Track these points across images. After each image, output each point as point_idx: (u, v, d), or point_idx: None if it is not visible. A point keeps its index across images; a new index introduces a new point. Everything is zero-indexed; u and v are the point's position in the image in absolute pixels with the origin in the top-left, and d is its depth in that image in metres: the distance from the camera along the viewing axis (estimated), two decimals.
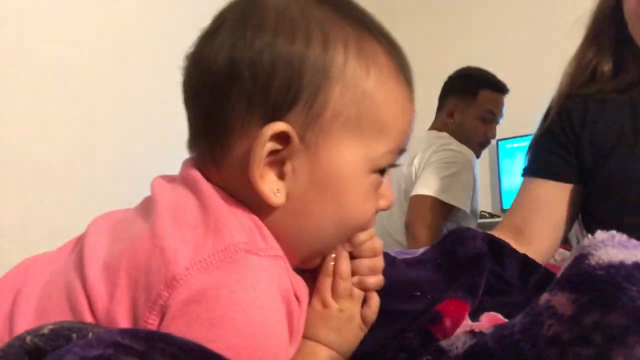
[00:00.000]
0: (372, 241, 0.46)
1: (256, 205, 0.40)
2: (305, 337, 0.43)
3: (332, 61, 0.38)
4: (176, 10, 1.30)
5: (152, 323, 0.35)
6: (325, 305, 0.44)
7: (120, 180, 1.10)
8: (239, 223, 0.38)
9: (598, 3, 0.89)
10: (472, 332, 0.46)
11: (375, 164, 0.41)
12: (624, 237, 0.32)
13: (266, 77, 0.38)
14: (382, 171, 0.43)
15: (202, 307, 0.34)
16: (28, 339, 0.35)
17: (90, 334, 0.35)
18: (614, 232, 0.33)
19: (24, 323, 0.39)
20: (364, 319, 0.46)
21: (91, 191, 1.08)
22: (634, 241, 0.32)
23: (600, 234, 0.33)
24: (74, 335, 0.36)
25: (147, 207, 0.41)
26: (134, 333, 0.29)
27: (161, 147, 0.89)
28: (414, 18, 2.83)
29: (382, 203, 0.45)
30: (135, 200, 0.45)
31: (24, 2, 0.97)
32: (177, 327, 0.34)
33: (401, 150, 0.43)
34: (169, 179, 0.44)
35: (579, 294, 0.27)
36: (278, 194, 0.39)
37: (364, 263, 0.46)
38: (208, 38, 0.41)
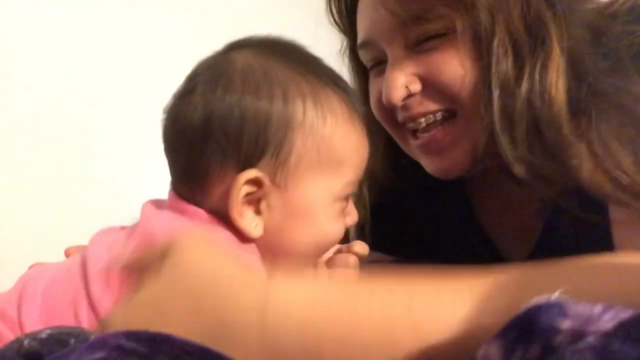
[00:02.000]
0: (345, 256, 0.52)
1: (237, 236, 0.46)
2: None
3: (292, 114, 0.45)
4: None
5: None
6: None
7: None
8: (222, 231, 0.45)
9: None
10: None
11: (337, 195, 0.48)
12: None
13: (237, 133, 0.44)
14: (345, 198, 0.49)
15: None
16: (26, 342, 0.36)
17: (92, 337, 0.35)
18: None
19: (32, 316, 0.41)
20: None
21: (92, 192, 1.06)
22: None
23: None
24: (72, 340, 0.36)
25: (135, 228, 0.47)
26: (137, 336, 0.30)
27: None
28: None
29: (349, 221, 0.51)
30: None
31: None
32: None
33: (359, 180, 0.51)
34: (158, 204, 0.49)
35: (507, 334, 0.27)
36: (257, 228, 0.46)
37: (337, 272, 0.51)
38: (183, 97, 0.47)
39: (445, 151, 0.57)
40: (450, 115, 0.56)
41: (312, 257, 0.50)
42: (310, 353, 0.31)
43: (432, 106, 0.56)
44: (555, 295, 0.27)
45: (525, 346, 0.25)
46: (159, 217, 0.46)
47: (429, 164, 0.60)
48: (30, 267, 0.49)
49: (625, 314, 0.25)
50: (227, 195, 0.44)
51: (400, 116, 0.59)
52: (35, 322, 0.41)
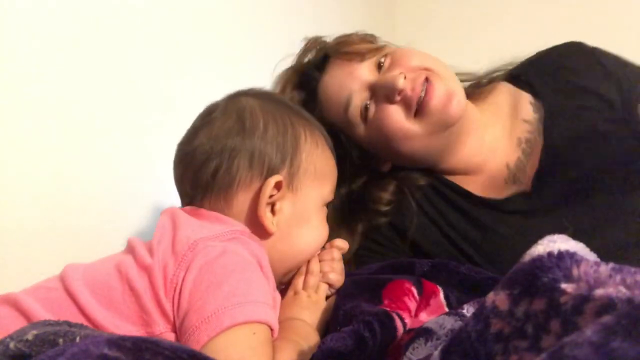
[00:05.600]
0: (330, 250, 0.65)
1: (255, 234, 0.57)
2: (284, 318, 0.56)
3: (299, 137, 0.61)
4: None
5: (178, 274, 0.47)
6: (296, 293, 0.61)
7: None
8: (238, 224, 0.57)
9: None
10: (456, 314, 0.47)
11: (326, 199, 0.64)
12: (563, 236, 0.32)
13: (263, 149, 0.58)
14: (327, 205, 0.65)
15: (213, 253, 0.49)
16: (11, 344, 0.35)
17: (78, 338, 0.35)
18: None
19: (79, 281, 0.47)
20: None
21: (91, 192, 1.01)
22: (563, 237, 0.31)
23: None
24: (60, 340, 0.36)
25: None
26: (120, 343, 0.29)
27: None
28: None
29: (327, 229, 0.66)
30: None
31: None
32: (198, 260, 0.48)
33: (333, 191, 0.66)
34: (183, 215, 0.56)
35: (513, 288, 0.29)
36: (274, 225, 0.57)
37: (325, 263, 0.64)
38: (205, 127, 0.59)
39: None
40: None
41: (305, 257, 0.62)
42: None
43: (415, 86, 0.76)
44: (556, 247, 0.28)
45: (530, 300, 0.28)
46: (202, 228, 0.53)
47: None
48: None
49: (635, 277, 0.25)
50: (253, 198, 0.57)
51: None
52: (82, 286, 0.46)
